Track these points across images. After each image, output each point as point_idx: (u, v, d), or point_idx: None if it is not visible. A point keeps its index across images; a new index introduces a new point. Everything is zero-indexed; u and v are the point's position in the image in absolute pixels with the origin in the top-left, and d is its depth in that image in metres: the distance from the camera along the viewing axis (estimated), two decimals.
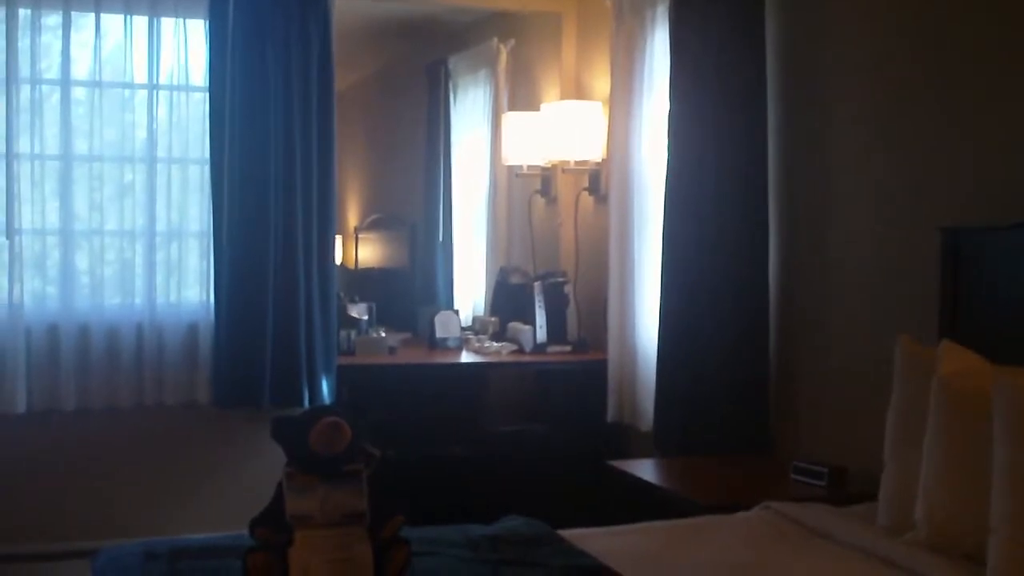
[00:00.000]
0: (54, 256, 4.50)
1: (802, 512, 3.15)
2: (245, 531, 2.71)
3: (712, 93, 4.10)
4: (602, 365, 4.80)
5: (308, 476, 2.61)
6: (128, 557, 2.89)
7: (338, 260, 4.92)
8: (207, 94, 4.51)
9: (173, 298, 4.61)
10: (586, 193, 5.27)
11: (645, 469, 4.01)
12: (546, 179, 5.51)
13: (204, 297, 4.61)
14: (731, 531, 3.10)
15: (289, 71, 4.49)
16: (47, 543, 4.45)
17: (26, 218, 4.43)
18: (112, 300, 4.55)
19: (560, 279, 5.17)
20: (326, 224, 4.62)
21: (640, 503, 3.73)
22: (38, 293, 4.50)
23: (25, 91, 4.43)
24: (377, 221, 6.79)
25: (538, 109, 5.33)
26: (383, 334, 5.09)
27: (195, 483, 4.63)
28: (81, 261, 4.53)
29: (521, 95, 5.69)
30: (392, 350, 5.03)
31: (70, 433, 4.53)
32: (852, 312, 3.75)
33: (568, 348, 5.08)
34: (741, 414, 4.05)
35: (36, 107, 4.44)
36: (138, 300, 4.55)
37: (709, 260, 4.11)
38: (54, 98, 4.48)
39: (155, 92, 4.57)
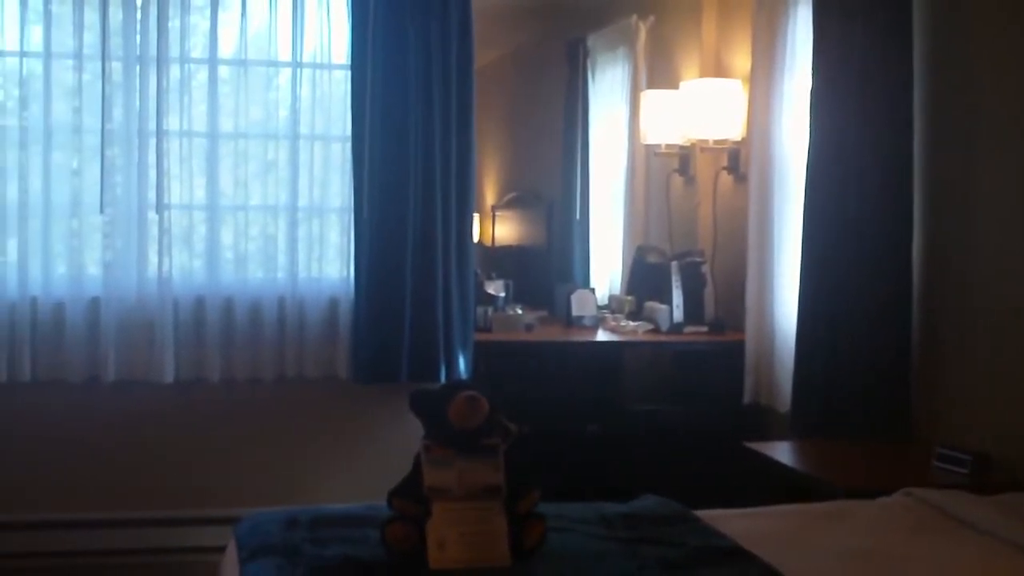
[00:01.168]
0: (200, 231, 4.61)
1: (945, 500, 3.08)
2: (383, 502, 2.75)
3: (856, 70, 4.01)
4: (739, 346, 4.76)
5: (446, 449, 2.64)
6: (269, 524, 2.95)
7: (475, 238, 4.95)
8: (349, 72, 4.57)
9: (314, 273, 4.68)
10: (725, 172, 5.21)
11: (782, 451, 3.96)
12: (684, 158, 5.47)
13: (344, 272, 4.67)
14: (870, 517, 3.05)
15: (429, 49, 4.52)
16: (191, 509, 4.58)
17: (175, 194, 4.55)
18: (255, 274, 4.64)
19: (697, 259, 5.12)
20: (465, 201, 4.65)
21: (777, 485, 3.70)
22: (185, 267, 4.61)
23: (175, 70, 4.53)
24: (514, 199, 6.82)
25: (677, 87, 5.29)
26: (520, 311, 5.12)
27: (334, 454, 4.71)
28: (226, 236, 4.64)
29: (660, 73, 5.64)
30: (529, 327, 5.05)
31: (215, 403, 4.64)
32: (1000, 297, 3.64)
33: (705, 328, 5.04)
34: (882, 398, 3.97)
35: (185, 86, 4.54)
36: (280, 274, 4.63)
37: (850, 240, 4.03)
38: (201, 76, 4.59)
39: (299, 70, 4.63)
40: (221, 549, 3.08)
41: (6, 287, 4.41)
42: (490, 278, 5.26)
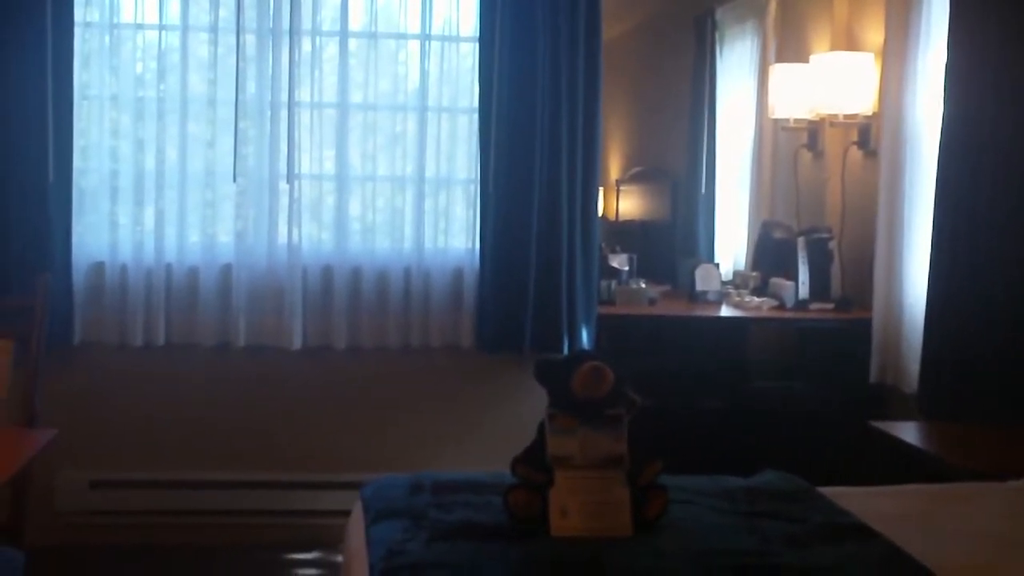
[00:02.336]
0: (329, 201, 4.69)
1: None
2: (505, 470, 2.79)
3: (994, 45, 3.90)
4: (866, 324, 4.68)
5: (570, 418, 2.66)
6: (394, 488, 3.01)
7: (599, 212, 4.96)
8: (477, 44, 4.60)
9: (440, 244, 4.74)
10: (855, 147, 5.12)
11: (909, 432, 3.90)
12: (813, 132, 5.39)
13: (469, 244, 4.71)
14: (1000, 500, 3.00)
15: (557, 22, 4.53)
16: (317, 473, 4.68)
17: (305, 164, 4.64)
18: (382, 244, 4.71)
19: (825, 235, 5.05)
20: (590, 174, 4.66)
21: (902, 466, 3.64)
22: (314, 236, 4.70)
23: (306, 43, 4.62)
24: (639, 174, 6.79)
25: (807, 61, 5.20)
26: (643, 285, 5.11)
27: (457, 422, 4.77)
28: (354, 206, 4.71)
29: (789, 46, 5.56)
30: (652, 301, 5.04)
31: (341, 370, 4.73)
32: None
33: (831, 306, 4.97)
34: (1016, 380, 3.88)
35: (316, 58, 4.62)
36: (407, 245, 4.69)
37: (984, 218, 3.94)
38: (331, 49, 4.65)
39: (427, 43, 4.67)
40: (346, 513, 3.14)
41: (142, 254, 4.55)
42: (614, 251, 5.26)
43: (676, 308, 5.14)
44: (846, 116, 4.98)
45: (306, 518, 4.68)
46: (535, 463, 2.70)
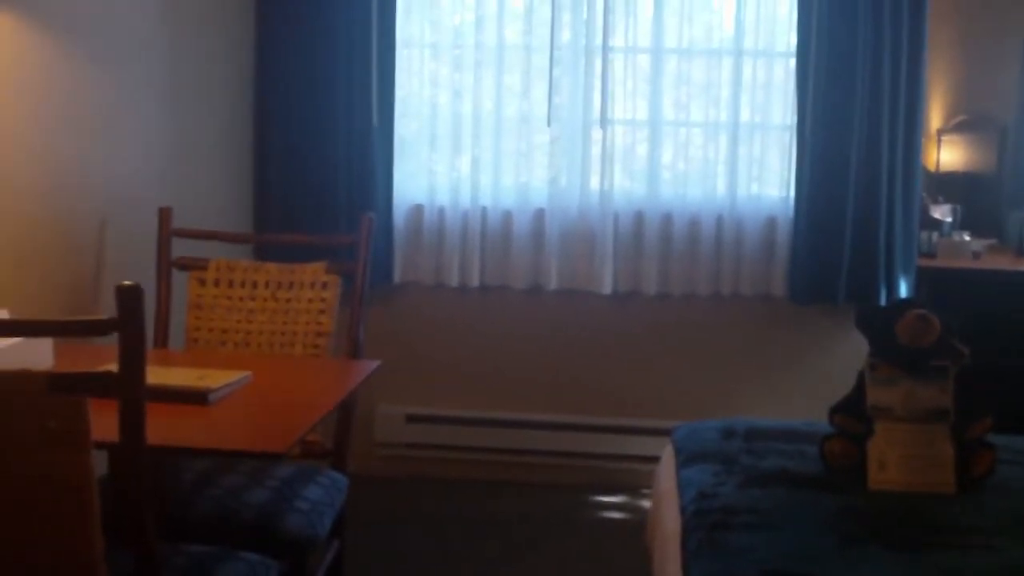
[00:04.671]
0: (641, 147, 4.69)
1: None
2: (815, 420, 2.73)
3: None
4: None
5: (892, 368, 2.58)
6: (706, 431, 3.00)
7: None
8: None
9: (753, 191, 4.66)
10: None
11: None
12: None
13: (784, 192, 4.62)
14: None
15: None
16: (624, 418, 4.72)
17: (618, 110, 4.65)
18: (694, 191, 4.67)
19: None
20: (912, 122, 4.49)
21: None
22: (625, 181, 4.72)
23: None
24: (962, 123, 6.46)
25: None
26: (967, 238, 4.87)
27: (767, 371, 4.71)
28: (666, 152, 4.69)
29: None
30: (976, 255, 4.80)
31: (650, 316, 4.74)
32: None
33: None
34: None
35: (630, 3, 4.60)
36: (719, 192, 4.64)
37: None
38: None
39: None
40: (651, 459, 3.16)
41: (459, 197, 4.68)
42: (936, 202, 5.03)
43: (1002, 262, 4.87)
44: None
45: (611, 461, 4.74)
46: (853, 413, 2.64)
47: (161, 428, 2.05)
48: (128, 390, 1.92)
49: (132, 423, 1.94)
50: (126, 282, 1.89)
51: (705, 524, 2.38)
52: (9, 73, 2.91)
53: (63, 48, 3.15)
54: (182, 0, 3.96)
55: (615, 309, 4.73)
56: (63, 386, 1.85)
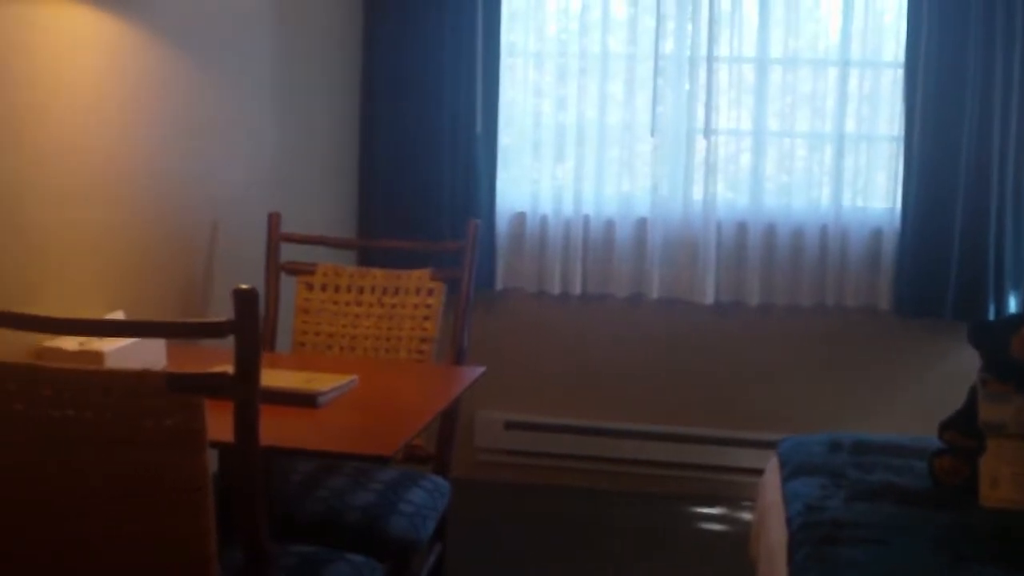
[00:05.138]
0: (745, 156, 4.66)
1: None
2: (922, 435, 2.69)
3: None
4: None
5: (1005, 384, 2.54)
6: (813, 444, 2.98)
7: None
8: None
9: (859, 202, 4.60)
10: None
11: None
12: None
13: (890, 203, 4.55)
14: None
15: None
16: (728, 429, 4.68)
17: (723, 119, 4.62)
18: (798, 201, 4.62)
19: None
20: None
21: None
22: (729, 191, 4.69)
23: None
24: None
25: None
26: None
27: (872, 385, 4.63)
28: (770, 162, 4.65)
29: None
30: None
31: (752, 327, 4.70)
32: None
33: None
34: None
35: (736, 13, 4.57)
36: (824, 203, 4.59)
37: None
38: (750, 3, 4.58)
39: None
40: (753, 471, 3.13)
41: (562, 206, 4.69)
42: None
43: None
44: None
45: (710, 472, 4.70)
46: (964, 429, 2.60)
47: (272, 429, 2.08)
48: (243, 391, 1.95)
49: (246, 424, 1.98)
50: (243, 285, 1.93)
51: (813, 538, 2.36)
52: (125, 78, 2.99)
53: (177, 53, 3.22)
54: (291, 6, 4.03)
55: (717, 319, 4.70)
56: (181, 386, 1.89)
